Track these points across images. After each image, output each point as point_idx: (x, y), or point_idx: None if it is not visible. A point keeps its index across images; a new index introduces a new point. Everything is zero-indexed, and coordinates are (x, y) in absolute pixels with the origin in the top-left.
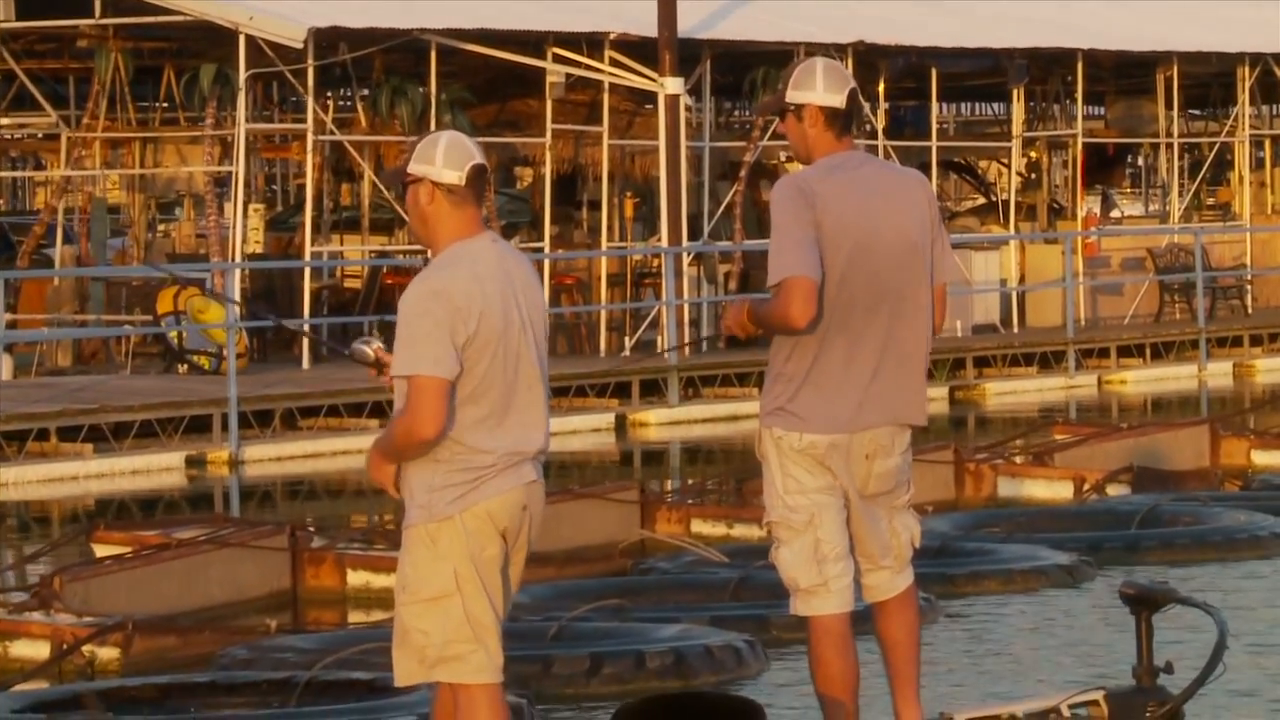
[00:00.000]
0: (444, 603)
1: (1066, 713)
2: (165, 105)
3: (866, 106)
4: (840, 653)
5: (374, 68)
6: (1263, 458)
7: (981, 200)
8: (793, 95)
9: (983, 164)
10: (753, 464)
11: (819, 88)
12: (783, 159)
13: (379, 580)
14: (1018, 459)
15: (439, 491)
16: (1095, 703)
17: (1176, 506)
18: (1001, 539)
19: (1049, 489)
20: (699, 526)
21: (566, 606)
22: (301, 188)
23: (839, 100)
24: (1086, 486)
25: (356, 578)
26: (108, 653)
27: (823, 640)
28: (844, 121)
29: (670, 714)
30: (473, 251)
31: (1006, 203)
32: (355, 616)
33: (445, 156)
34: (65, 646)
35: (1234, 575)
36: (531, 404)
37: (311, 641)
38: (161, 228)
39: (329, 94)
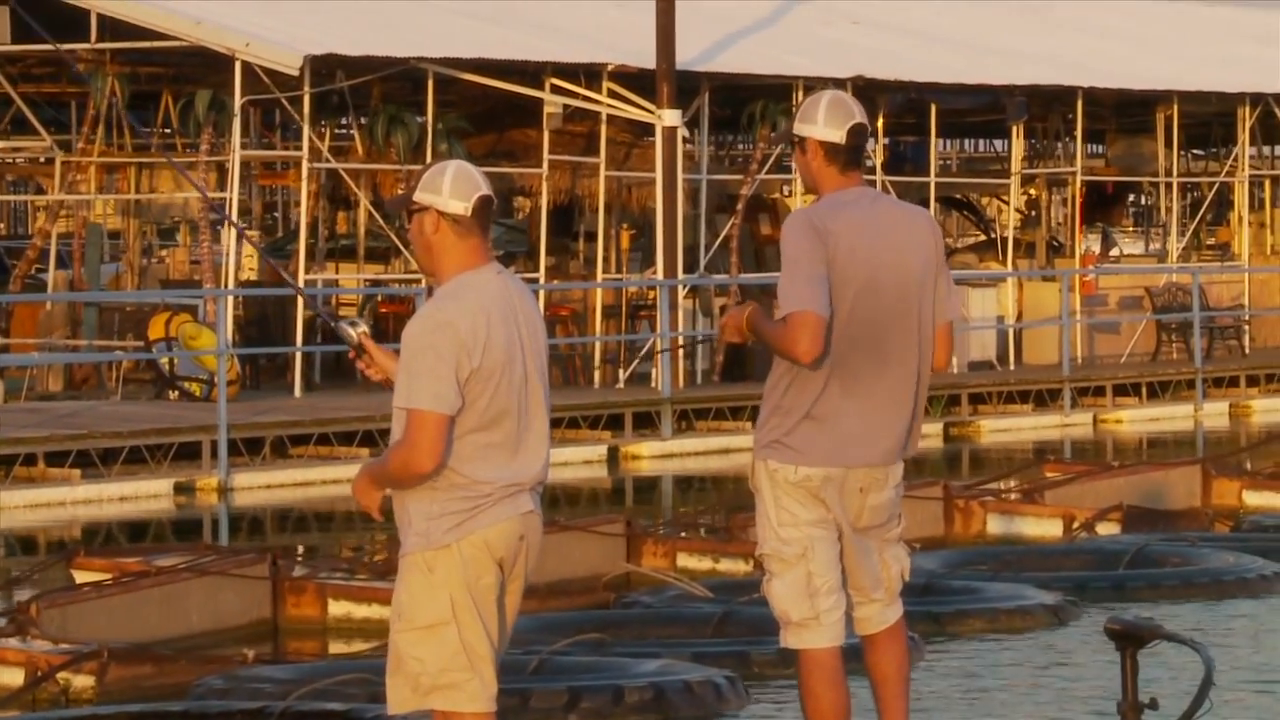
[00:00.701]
0: (440, 630)
1: None
2: (167, 130)
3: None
4: (831, 686)
5: (371, 96)
6: (1254, 498)
7: (981, 237)
8: (798, 128)
9: (984, 200)
10: (744, 498)
11: (820, 122)
12: (783, 193)
13: (360, 610)
14: (1010, 496)
15: (437, 520)
16: None
17: (1165, 547)
18: (988, 577)
19: (1038, 527)
20: (685, 560)
21: (548, 640)
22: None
23: (838, 136)
24: (1076, 525)
25: (338, 608)
26: (83, 680)
27: (814, 674)
28: (846, 157)
29: None
30: (478, 283)
31: (1005, 240)
32: (336, 647)
33: (452, 186)
34: (39, 674)
35: (1221, 616)
36: (532, 435)
37: (288, 672)
38: (161, 253)
39: (325, 121)
